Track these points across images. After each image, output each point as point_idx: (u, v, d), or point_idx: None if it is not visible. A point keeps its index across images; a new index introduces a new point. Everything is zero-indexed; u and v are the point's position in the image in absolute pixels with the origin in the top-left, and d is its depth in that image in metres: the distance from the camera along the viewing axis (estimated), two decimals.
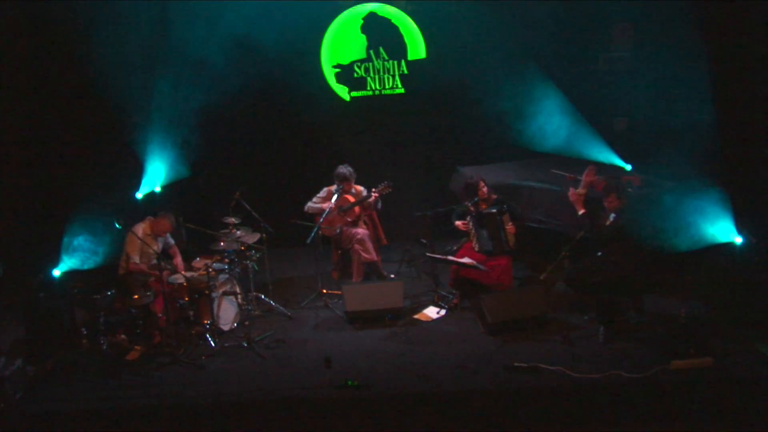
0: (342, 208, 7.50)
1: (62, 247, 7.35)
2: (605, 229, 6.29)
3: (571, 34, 8.73)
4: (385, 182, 7.41)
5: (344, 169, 7.49)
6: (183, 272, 6.78)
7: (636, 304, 6.47)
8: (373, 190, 7.44)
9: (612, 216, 6.41)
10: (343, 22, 9.05)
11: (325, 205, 7.41)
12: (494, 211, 6.94)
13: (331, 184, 7.58)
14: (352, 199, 7.60)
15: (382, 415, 5.43)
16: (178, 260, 7.19)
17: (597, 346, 5.99)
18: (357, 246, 7.39)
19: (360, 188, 7.69)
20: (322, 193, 7.60)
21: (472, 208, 7.15)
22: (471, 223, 7.06)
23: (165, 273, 6.45)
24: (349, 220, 7.55)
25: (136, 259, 6.74)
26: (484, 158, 8.75)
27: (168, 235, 7.09)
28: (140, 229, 6.78)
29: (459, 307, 6.97)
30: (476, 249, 7.03)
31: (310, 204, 7.57)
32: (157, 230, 6.91)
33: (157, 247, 6.80)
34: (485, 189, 7.16)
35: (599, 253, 6.41)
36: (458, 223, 7.23)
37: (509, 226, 6.97)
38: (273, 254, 7.58)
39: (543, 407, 5.40)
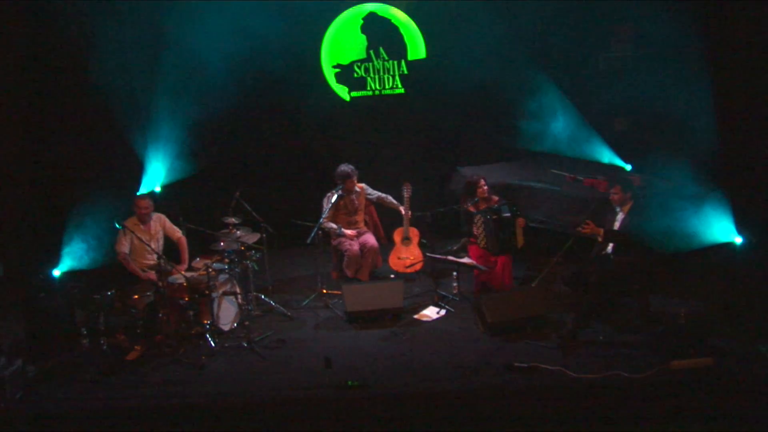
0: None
1: (62, 247, 7.36)
2: (617, 234, 6.30)
3: (571, 34, 8.74)
4: (405, 187, 7.56)
5: (346, 167, 7.48)
6: (182, 271, 6.78)
7: (642, 304, 6.45)
8: (402, 207, 7.61)
9: (620, 215, 6.42)
10: (343, 22, 9.06)
11: (351, 233, 7.54)
12: (509, 215, 6.98)
13: (329, 189, 7.56)
14: (356, 200, 7.61)
15: (382, 415, 5.42)
16: (184, 257, 7.09)
17: (596, 346, 5.99)
18: (369, 260, 7.47)
19: (363, 185, 7.70)
20: (326, 203, 7.49)
21: (471, 209, 7.16)
22: (483, 226, 7.06)
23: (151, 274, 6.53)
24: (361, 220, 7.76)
25: (126, 249, 6.73)
26: (484, 158, 8.76)
27: (166, 223, 7.09)
28: (128, 225, 6.78)
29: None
30: (482, 245, 7.06)
31: (327, 224, 7.48)
32: (140, 213, 6.89)
33: (149, 237, 6.83)
34: (485, 188, 7.19)
35: (609, 253, 6.43)
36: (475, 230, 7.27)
37: (519, 220, 7.02)
38: (273, 254, 7.59)
39: (543, 407, 5.39)
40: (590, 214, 6.48)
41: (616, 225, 6.41)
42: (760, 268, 6.55)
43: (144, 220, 6.91)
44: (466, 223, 7.29)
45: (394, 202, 7.73)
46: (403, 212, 7.59)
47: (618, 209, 6.46)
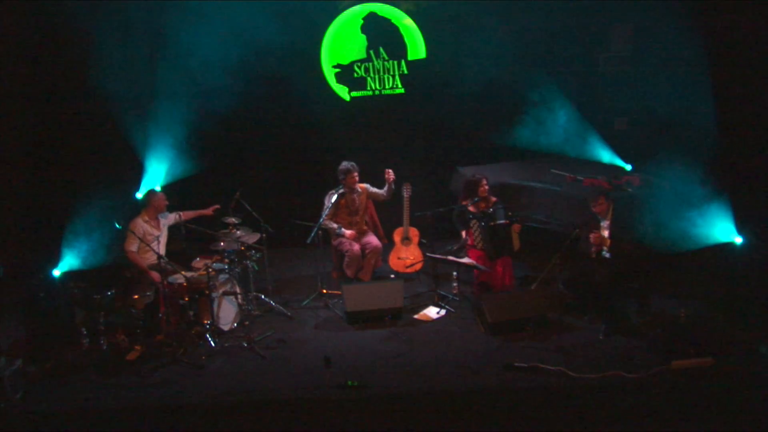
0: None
1: (62, 246, 7.36)
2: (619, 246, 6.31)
3: (571, 34, 8.74)
4: (405, 187, 7.57)
5: (346, 163, 7.50)
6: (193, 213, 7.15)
7: (642, 303, 6.46)
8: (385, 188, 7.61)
9: (605, 222, 6.43)
10: (343, 22, 9.05)
11: (351, 233, 7.53)
12: (504, 222, 6.97)
13: (329, 189, 7.56)
14: (357, 200, 7.60)
15: (382, 415, 5.42)
16: (200, 212, 7.36)
17: (596, 346, 5.99)
18: (371, 261, 7.48)
19: (365, 186, 7.69)
20: (327, 201, 7.49)
21: (471, 208, 7.16)
22: (479, 231, 7.06)
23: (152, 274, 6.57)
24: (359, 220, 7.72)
25: (134, 248, 6.75)
26: (484, 158, 8.75)
27: (169, 217, 7.19)
28: (139, 222, 6.81)
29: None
30: (479, 248, 7.06)
31: (328, 223, 7.48)
32: (156, 209, 6.99)
33: (159, 232, 6.95)
34: (486, 187, 7.18)
35: (606, 254, 6.43)
36: (464, 233, 7.23)
37: (515, 226, 7.00)
38: (273, 254, 7.58)
39: (543, 407, 5.39)
40: (586, 220, 6.49)
41: (605, 233, 6.41)
42: (760, 268, 6.55)
43: (162, 212, 7.03)
44: (462, 223, 7.28)
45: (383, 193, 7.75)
46: (385, 192, 7.59)
47: (602, 219, 6.47)
